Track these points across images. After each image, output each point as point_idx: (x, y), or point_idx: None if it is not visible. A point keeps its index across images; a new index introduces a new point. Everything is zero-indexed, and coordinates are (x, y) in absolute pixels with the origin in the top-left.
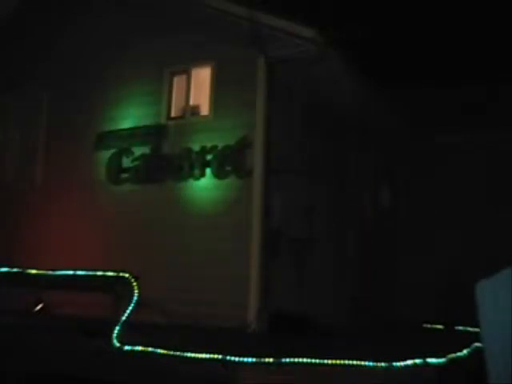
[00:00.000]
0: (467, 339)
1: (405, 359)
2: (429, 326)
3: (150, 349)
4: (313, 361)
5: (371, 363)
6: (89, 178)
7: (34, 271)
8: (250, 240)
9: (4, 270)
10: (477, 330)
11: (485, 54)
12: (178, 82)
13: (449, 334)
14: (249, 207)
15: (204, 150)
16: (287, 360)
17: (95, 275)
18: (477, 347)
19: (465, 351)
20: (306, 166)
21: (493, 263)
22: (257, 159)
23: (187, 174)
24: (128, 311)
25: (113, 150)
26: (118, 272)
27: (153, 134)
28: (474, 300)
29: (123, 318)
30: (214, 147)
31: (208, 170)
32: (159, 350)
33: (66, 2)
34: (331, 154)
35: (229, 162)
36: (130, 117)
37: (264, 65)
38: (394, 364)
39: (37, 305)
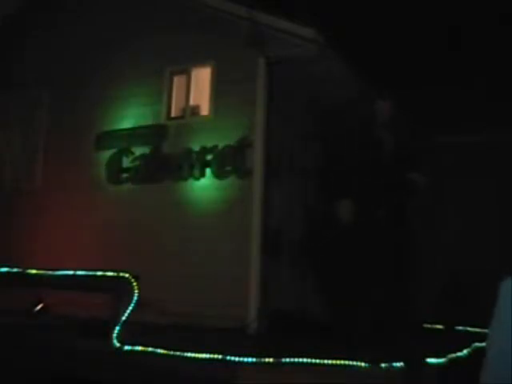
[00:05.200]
0: (467, 339)
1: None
2: (429, 326)
3: (149, 349)
4: (313, 361)
5: (371, 363)
6: (89, 178)
7: (34, 271)
8: (250, 240)
9: (4, 270)
10: (477, 330)
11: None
12: (178, 81)
13: (449, 333)
14: (249, 207)
15: (204, 150)
16: (287, 360)
17: (95, 275)
18: (477, 347)
19: (465, 351)
20: (306, 165)
21: (494, 264)
22: (257, 159)
23: (187, 174)
24: (128, 311)
25: (113, 150)
26: (118, 272)
27: (153, 134)
28: (474, 300)
29: (123, 318)
30: (214, 147)
31: (208, 170)
32: (159, 350)
33: (67, 2)
34: (331, 153)
35: (229, 162)
36: (129, 117)
37: (264, 65)
38: (394, 364)
39: (37, 305)
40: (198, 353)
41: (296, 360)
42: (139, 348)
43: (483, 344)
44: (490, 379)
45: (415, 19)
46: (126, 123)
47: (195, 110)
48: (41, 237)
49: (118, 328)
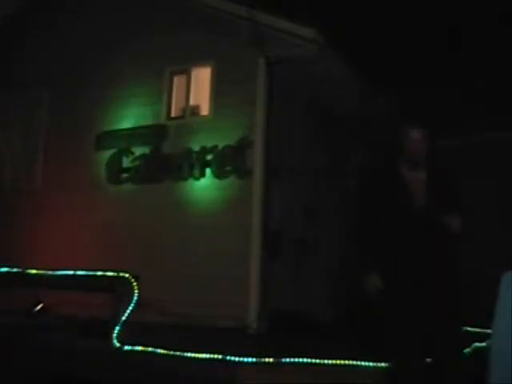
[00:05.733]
0: (467, 339)
1: None
2: None
3: (149, 349)
4: (313, 361)
5: (371, 363)
6: (89, 178)
7: (34, 271)
8: (250, 240)
9: (4, 270)
10: (477, 330)
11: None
12: (178, 81)
13: None
14: (249, 207)
15: (204, 150)
16: (287, 360)
17: (95, 275)
18: (477, 347)
19: (465, 351)
20: (306, 165)
21: (494, 264)
22: (257, 159)
23: (187, 174)
24: (128, 311)
25: (113, 150)
26: (118, 272)
27: (153, 134)
28: (474, 300)
29: (123, 318)
30: (214, 147)
31: (208, 170)
32: (159, 350)
33: (67, 2)
34: (331, 153)
35: (229, 161)
36: (130, 117)
37: (264, 65)
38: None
39: (37, 305)
40: (198, 353)
41: (296, 360)
42: (139, 348)
43: (483, 344)
44: (495, 375)
45: (416, 19)
46: (126, 123)
47: (195, 110)
48: (41, 237)
49: (117, 328)
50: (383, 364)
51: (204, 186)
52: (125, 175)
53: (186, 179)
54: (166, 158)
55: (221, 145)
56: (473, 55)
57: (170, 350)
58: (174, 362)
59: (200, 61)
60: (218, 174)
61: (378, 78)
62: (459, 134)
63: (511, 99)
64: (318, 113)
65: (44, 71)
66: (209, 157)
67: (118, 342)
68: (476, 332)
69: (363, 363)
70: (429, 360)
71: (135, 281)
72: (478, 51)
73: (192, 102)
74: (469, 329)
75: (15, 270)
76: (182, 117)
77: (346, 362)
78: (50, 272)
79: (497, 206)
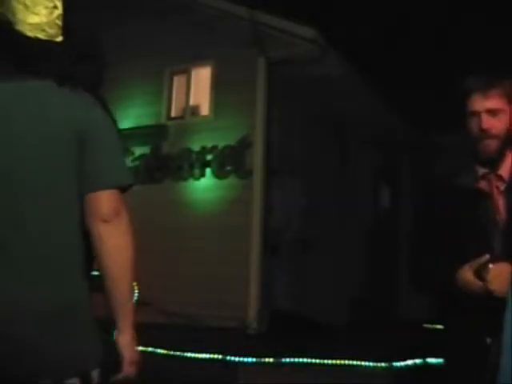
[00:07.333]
0: None
1: (405, 359)
2: (429, 325)
3: (149, 349)
4: (313, 361)
5: (371, 363)
6: None
7: None
8: (250, 240)
9: None
10: None
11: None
12: (178, 81)
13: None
14: (249, 207)
15: (204, 150)
16: (287, 360)
17: (95, 275)
18: None
19: None
20: (306, 166)
21: None
22: (257, 159)
23: (187, 174)
24: None
25: None
26: None
27: (153, 134)
28: None
29: None
30: (214, 147)
31: (208, 170)
32: (159, 350)
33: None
34: (331, 153)
35: (229, 161)
36: (130, 117)
37: (264, 65)
38: (394, 364)
39: None
40: (198, 353)
41: (296, 360)
42: (139, 348)
43: None
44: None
45: (416, 19)
46: (126, 123)
47: (195, 110)
48: None
49: None
50: (383, 364)
51: (204, 186)
52: None
53: (185, 179)
54: (165, 157)
55: (221, 145)
56: (472, 55)
57: (170, 350)
58: (174, 362)
59: (200, 61)
60: (218, 174)
61: (379, 78)
62: (458, 130)
63: None
64: (318, 113)
65: None
66: (209, 157)
67: None
68: None
69: (363, 363)
70: None
71: (135, 281)
72: (476, 51)
73: (192, 101)
74: None
75: None
76: (181, 117)
77: (346, 361)
78: None
79: None
